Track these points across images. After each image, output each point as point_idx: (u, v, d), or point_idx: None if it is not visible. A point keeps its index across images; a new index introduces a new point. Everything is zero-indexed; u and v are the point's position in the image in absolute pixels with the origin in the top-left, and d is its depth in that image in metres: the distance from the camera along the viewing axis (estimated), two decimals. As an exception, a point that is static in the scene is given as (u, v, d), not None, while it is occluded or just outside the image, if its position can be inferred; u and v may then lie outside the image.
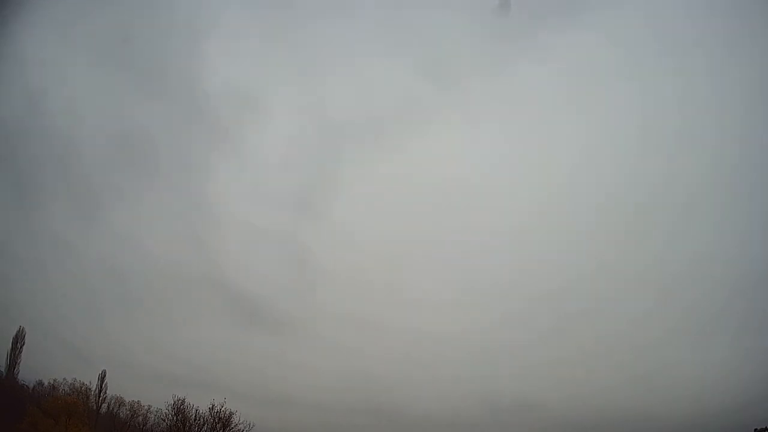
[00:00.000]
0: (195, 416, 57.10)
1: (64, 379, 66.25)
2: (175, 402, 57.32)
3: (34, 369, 67.31)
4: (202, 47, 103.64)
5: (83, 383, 63.26)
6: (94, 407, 62.64)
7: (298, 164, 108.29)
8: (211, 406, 56.71)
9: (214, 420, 56.46)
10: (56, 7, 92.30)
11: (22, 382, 67.34)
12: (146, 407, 64.85)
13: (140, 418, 64.63)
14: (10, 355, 64.34)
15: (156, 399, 62.63)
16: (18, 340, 64.65)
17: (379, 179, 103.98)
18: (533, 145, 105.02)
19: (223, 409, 56.61)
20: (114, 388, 64.79)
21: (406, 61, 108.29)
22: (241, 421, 56.96)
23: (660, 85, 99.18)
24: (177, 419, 56.67)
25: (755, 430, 70.39)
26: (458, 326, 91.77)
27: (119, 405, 65.05)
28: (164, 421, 58.60)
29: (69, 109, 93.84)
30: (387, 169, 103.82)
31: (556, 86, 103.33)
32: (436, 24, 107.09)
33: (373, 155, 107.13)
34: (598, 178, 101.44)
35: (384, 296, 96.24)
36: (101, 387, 63.64)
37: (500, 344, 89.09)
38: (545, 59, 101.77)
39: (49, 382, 68.68)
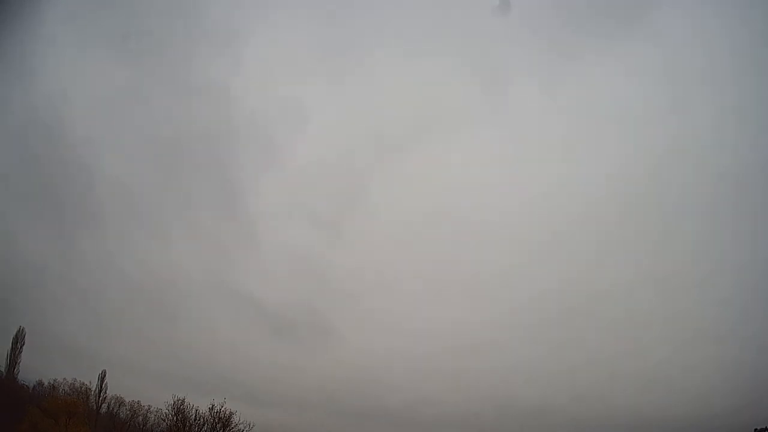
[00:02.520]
0: (195, 416, 56.89)
1: (64, 379, 66.39)
2: (175, 402, 57.04)
3: (34, 369, 67.40)
4: (238, 53, 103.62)
5: (83, 383, 63.57)
6: (94, 407, 62.63)
7: (331, 176, 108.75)
8: (211, 406, 56.56)
9: (214, 420, 56.23)
10: (81, 7, 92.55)
11: (22, 382, 67.28)
12: (146, 407, 65.10)
13: (140, 418, 64.73)
14: (10, 355, 64.19)
15: (156, 399, 62.75)
16: (18, 340, 64.52)
17: (404, 187, 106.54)
18: (550, 154, 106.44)
19: (223, 409, 56.45)
20: (114, 388, 65.05)
21: (451, 68, 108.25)
22: (241, 421, 56.74)
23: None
24: (177, 419, 56.43)
25: (755, 430, 70.50)
26: (471, 329, 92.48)
27: (119, 405, 65.18)
28: (164, 421, 58.43)
29: (95, 116, 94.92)
30: (413, 175, 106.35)
31: (587, 107, 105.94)
32: (488, 31, 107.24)
33: (408, 162, 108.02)
34: (600, 179, 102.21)
35: (398, 301, 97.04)
36: (101, 387, 63.69)
37: (509, 347, 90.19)
38: (586, 82, 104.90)
39: (49, 382, 68.75)
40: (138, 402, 65.02)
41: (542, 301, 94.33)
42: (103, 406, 64.07)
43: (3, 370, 63.95)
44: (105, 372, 64.17)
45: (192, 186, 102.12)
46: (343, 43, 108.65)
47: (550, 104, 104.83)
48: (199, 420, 56.60)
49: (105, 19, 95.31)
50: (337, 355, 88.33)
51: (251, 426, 56.86)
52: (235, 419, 56.38)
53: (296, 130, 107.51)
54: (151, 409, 64.27)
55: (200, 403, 57.36)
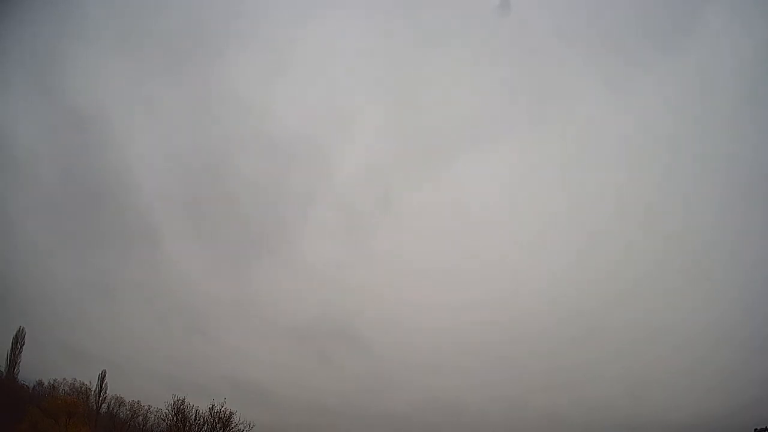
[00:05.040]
0: (195, 416, 56.91)
1: (64, 379, 66.42)
2: (175, 402, 57.14)
3: (34, 369, 67.43)
4: (283, 64, 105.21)
5: (83, 383, 63.51)
6: (94, 407, 62.54)
7: (365, 188, 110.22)
8: (211, 406, 56.59)
9: (214, 420, 56.23)
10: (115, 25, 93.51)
11: (22, 382, 67.25)
12: (146, 407, 65.01)
13: (140, 418, 64.65)
14: (10, 355, 64.16)
15: (157, 399, 62.73)
16: (18, 340, 64.50)
17: (433, 197, 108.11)
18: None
19: (223, 409, 56.46)
20: (114, 388, 64.90)
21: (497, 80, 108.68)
22: (241, 421, 56.77)
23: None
24: (177, 419, 56.44)
25: (755, 430, 70.61)
26: (481, 332, 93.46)
27: (119, 405, 65.05)
28: (164, 421, 58.43)
29: (135, 127, 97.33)
30: (444, 186, 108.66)
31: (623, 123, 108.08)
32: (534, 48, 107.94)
33: (439, 173, 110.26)
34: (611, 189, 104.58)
35: (414, 307, 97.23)
36: (101, 387, 63.54)
37: (516, 350, 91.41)
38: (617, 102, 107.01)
39: (49, 382, 68.80)
40: (138, 402, 65.02)
41: (550, 306, 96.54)
42: (103, 406, 63.90)
43: (3, 370, 63.97)
44: (105, 372, 64.11)
45: (223, 196, 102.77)
46: (391, 54, 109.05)
47: (592, 116, 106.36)
48: (199, 420, 56.65)
49: (146, 26, 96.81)
50: (355, 360, 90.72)
51: (251, 426, 57.01)
52: (235, 419, 56.51)
53: (342, 143, 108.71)
54: (151, 409, 64.35)
55: (202, 404, 57.56)
